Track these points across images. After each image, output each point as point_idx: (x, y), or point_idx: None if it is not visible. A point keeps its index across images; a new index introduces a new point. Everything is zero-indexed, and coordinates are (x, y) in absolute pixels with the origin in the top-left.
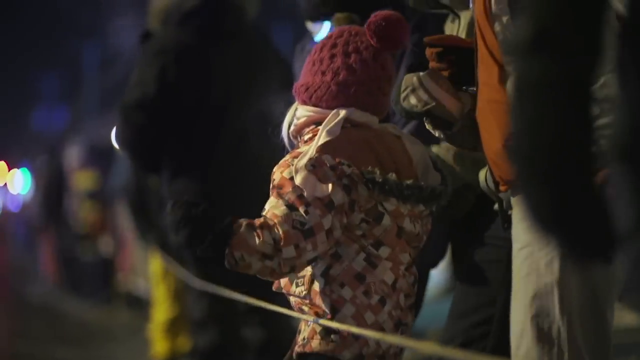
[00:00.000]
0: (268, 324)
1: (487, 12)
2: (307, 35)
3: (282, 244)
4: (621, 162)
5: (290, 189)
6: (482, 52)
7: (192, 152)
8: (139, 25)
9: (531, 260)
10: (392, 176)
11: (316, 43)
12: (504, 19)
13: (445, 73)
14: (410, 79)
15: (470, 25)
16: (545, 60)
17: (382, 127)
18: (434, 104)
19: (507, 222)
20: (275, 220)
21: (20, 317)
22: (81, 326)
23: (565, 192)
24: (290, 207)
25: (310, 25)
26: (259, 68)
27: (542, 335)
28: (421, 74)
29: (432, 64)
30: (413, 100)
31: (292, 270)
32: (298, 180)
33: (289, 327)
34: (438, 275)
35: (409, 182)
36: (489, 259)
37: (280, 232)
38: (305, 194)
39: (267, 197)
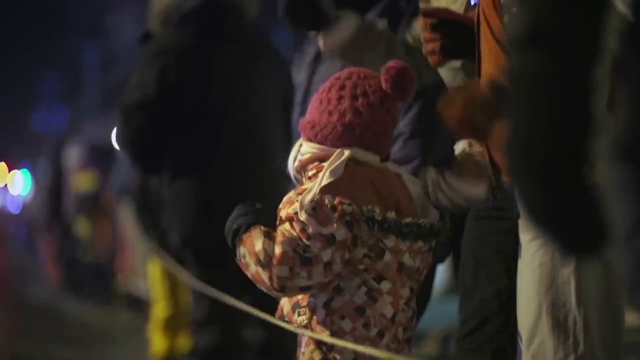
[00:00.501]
0: (269, 325)
1: (495, 3)
2: (307, 39)
3: (274, 261)
4: (622, 160)
5: (296, 223)
6: (488, 43)
7: (193, 153)
8: (139, 26)
9: (545, 251)
10: (392, 214)
11: (313, 45)
12: (514, 10)
13: (437, 44)
14: (436, 178)
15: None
16: (542, 54)
17: (384, 166)
18: (462, 200)
19: (497, 189)
20: (282, 239)
21: (21, 317)
22: (81, 327)
23: (557, 186)
24: (297, 237)
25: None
26: (259, 69)
27: (558, 326)
28: (446, 172)
29: (425, 35)
30: (442, 198)
31: (283, 290)
32: (303, 217)
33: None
34: (439, 275)
35: (407, 220)
36: (488, 232)
37: (279, 251)
38: (308, 229)
39: (267, 198)
